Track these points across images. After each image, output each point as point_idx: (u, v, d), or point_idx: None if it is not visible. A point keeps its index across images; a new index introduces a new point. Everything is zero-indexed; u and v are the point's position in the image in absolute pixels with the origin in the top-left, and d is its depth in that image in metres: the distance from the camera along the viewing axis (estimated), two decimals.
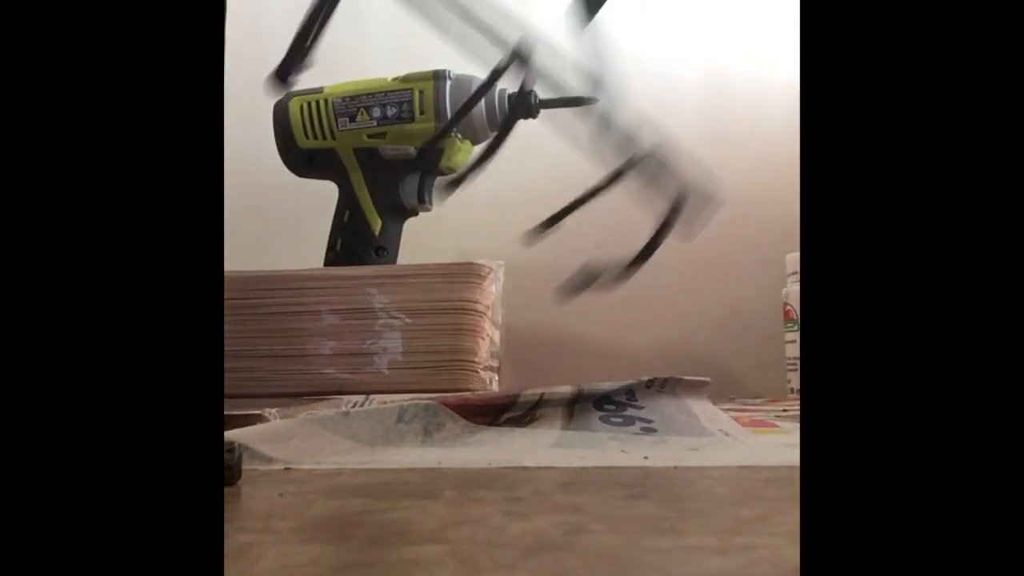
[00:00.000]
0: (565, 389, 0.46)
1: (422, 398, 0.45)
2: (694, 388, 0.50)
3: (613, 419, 0.44)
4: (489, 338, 0.65)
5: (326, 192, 0.74)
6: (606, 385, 0.47)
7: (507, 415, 0.44)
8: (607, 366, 0.86)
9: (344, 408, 0.45)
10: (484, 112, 0.69)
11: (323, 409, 0.48)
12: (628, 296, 0.87)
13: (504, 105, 0.70)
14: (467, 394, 0.49)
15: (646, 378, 0.48)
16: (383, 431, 0.40)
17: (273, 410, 0.44)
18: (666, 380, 0.48)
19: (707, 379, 0.51)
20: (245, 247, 0.74)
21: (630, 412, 0.45)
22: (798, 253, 0.77)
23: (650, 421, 0.44)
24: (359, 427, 0.40)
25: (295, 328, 0.65)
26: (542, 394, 0.45)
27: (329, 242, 0.73)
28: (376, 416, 0.41)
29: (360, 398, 0.57)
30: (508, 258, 0.74)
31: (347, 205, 0.72)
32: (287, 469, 0.34)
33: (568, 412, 0.44)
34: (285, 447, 0.36)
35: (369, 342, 0.63)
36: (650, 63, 0.95)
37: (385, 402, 0.49)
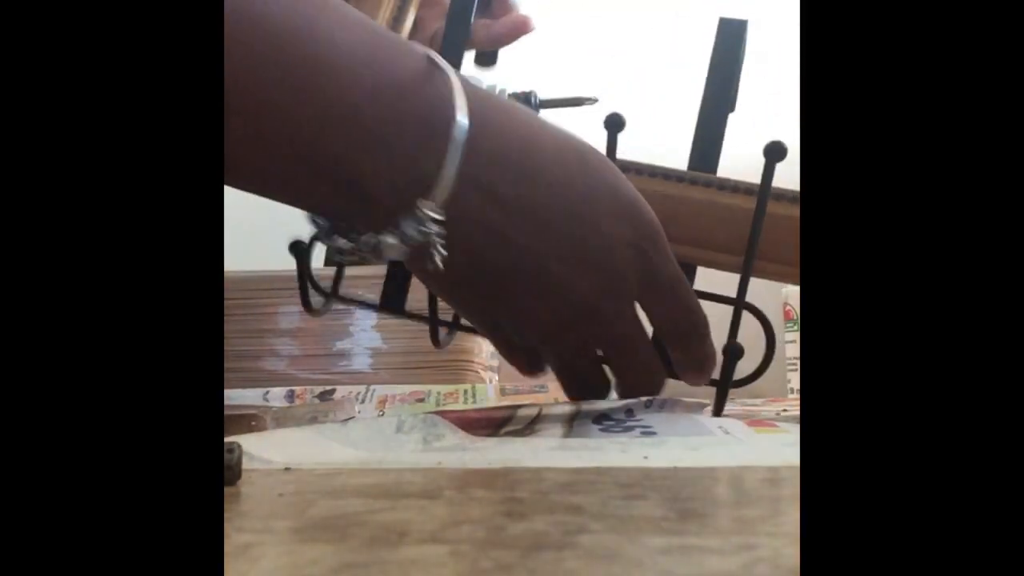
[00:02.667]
0: (564, 407, 0.46)
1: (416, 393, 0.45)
2: (692, 407, 0.51)
3: (613, 429, 0.45)
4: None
5: None
6: (604, 404, 0.47)
7: (506, 428, 0.44)
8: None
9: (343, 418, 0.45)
10: None
11: (319, 405, 0.48)
12: None
13: None
14: (465, 409, 0.49)
15: (644, 398, 0.49)
16: (382, 441, 0.40)
17: (269, 410, 0.44)
18: (664, 401, 0.49)
19: (706, 402, 0.52)
20: (245, 247, 0.74)
21: (629, 423, 0.46)
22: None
23: (649, 426, 0.45)
24: (357, 436, 0.40)
25: (294, 328, 0.65)
26: (540, 409, 0.45)
27: None
28: (375, 427, 0.42)
29: (361, 389, 0.57)
30: None
31: None
32: (287, 469, 0.34)
33: (568, 426, 0.45)
34: (283, 451, 0.36)
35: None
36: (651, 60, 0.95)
37: (383, 408, 0.50)
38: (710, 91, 0.48)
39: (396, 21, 0.52)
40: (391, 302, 0.52)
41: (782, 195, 0.47)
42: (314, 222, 0.41)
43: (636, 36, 0.96)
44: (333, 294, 0.52)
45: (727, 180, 0.47)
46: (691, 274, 0.49)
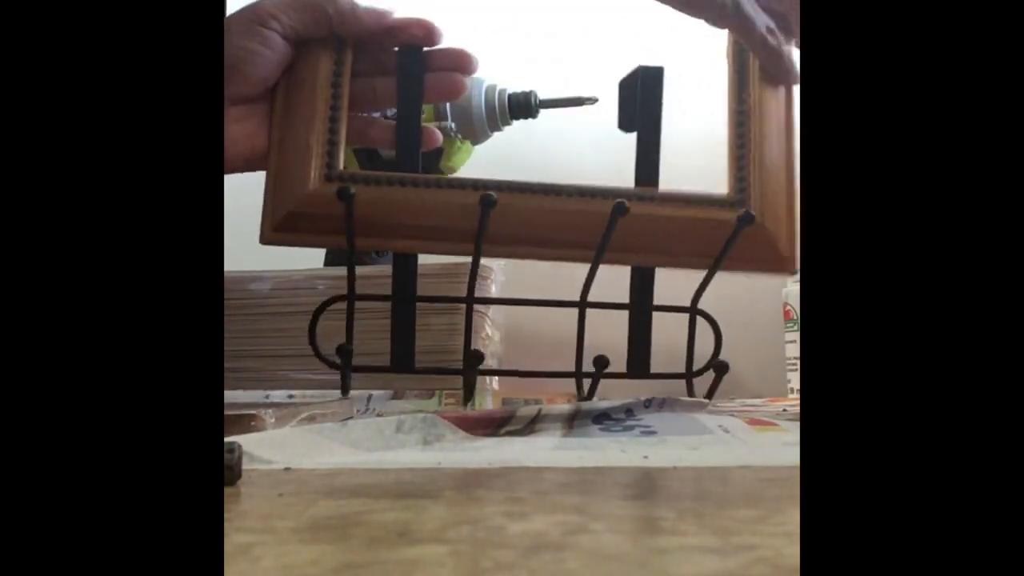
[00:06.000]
0: (563, 407, 0.46)
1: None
2: (692, 407, 0.51)
3: (613, 429, 0.45)
4: (489, 338, 0.65)
5: None
6: (604, 404, 0.48)
7: (506, 428, 0.44)
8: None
9: (342, 419, 0.45)
10: (484, 112, 0.69)
11: (317, 408, 0.48)
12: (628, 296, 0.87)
13: (504, 104, 0.70)
14: (464, 410, 0.50)
15: (644, 398, 0.49)
16: (382, 440, 0.40)
17: (269, 410, 0.44)
18: (664, 400, 0.49)
19: (706, 401, 0.53)
20: (245, 247, 0.74)
21: (629, 423, 0.46)
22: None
23: (649, 426, 0.45)
24: (357, 436, 0.40)
25: (293, 328, 0.65)
26: (540, 409, 0.45)
27: None
28: (374, 426, 0.42)
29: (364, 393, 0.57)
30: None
31: None
32: (287, 469, 0.34)
33: (568, 426, 0.45)
34: (283, 451, 0.36)
35: None
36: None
37: (382, 414, 0.50)
38: (644, 127, 0.55)
39: (332, 120, 0.53)
40: (401, 362, 0.54)
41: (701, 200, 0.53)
42: None
43: (635, 36, 0.97)
44: (347, 366, 0.54)
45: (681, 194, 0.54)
46: (650, 277, 0.56)
